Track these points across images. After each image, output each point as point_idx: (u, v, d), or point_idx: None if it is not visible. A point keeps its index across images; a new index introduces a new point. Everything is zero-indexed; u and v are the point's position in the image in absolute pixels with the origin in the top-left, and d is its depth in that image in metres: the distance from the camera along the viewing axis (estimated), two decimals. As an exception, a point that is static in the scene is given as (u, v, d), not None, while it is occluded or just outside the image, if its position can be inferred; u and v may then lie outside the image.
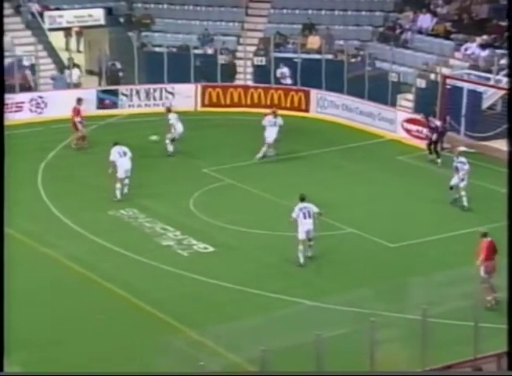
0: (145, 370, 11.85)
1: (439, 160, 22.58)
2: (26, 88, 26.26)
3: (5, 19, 28.00)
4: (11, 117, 25.50)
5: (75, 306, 14.72)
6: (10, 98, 25.61)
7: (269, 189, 20.41)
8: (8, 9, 28.54)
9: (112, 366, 12.60)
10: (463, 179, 19.30)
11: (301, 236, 16.36)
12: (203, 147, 23.66)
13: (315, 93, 27.05)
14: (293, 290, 15.25)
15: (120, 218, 18.80)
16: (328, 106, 26.69)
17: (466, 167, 19.42)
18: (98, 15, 28.73)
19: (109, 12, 29.31)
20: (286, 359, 11.33)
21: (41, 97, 26.14)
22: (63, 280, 15.76)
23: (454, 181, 19.37)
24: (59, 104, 25.62)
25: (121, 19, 29.74)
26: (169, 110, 23.25)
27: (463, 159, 19.52)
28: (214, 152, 23.35)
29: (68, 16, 28.55)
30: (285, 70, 27.31)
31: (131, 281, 15.71)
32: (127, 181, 19.82)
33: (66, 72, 27.26)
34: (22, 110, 25.88)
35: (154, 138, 22.74)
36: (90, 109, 26.66)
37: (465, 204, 19.32)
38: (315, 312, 13.26)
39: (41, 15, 28.42)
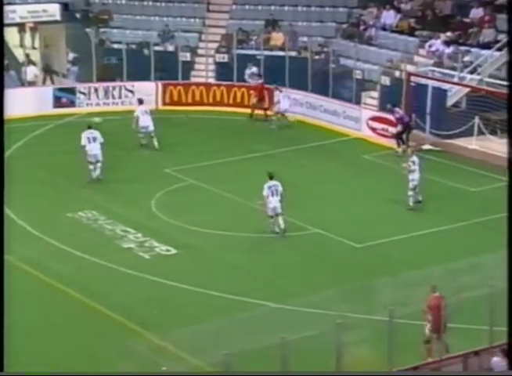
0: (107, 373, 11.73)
1: (399, 150, 22.91)
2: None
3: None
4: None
5: (33, 311, 14.53)
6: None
7: (232, 189, 20.38)
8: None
9: (73, 371, 12.44)
10: (413, 179, 19.28)
11: (269, 212, 17.74)
12: (165, 147, 23.54)
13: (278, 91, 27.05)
14: (256, 292, 15.25)
15: (79, 220, 18.62)
16: (292, 103, 26.74)
17: (416, 166, 19.35)
18: (53, 10, 28.34)
19: (65, 7, 28.93)
20: (250, 362, 11.32)
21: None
22: (19, 284, 15.51)
23: (411, 182, 19.33)
24: (13, 103, 25.22)
25: (78, 15, 29.42)
26: (140, 102, 24.02)
27: (414, 158, 19.54)
28: (176, 151, 23.25)
29: (21, 11, 28.09)
30: (254, 69, 27.32)
31: (90, 285, 15.56)
32: (99, 165, 20.64)
33: (22, 69, 26.91)
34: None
35: (97, 120, 23.12)
36: (46, 108, 26.37)
37: (410, 203, 19.32)
38: (280, 314, 13.27)
39: (-7, 9, 27.95)
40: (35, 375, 11.92)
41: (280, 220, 17.73)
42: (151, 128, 23.40)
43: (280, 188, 17.74)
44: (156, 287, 15.63)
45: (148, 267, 16.42)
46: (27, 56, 27.48)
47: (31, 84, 26.91)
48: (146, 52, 27.59)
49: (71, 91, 27.04)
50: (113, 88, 27.13)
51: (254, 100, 26.39)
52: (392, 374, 11.38)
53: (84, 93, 27.08)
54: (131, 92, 27.29)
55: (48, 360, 12.96)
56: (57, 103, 26.74)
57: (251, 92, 26.63)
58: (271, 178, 17.87)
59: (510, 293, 10.99)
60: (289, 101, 25.73)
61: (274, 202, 17.59)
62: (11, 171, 21.28)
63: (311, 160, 22.91)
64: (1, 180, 9.49)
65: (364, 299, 13.29)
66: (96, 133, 20.89)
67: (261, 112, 26.18)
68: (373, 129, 25.13)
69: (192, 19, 29.61)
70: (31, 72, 27.04)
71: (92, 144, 20.61)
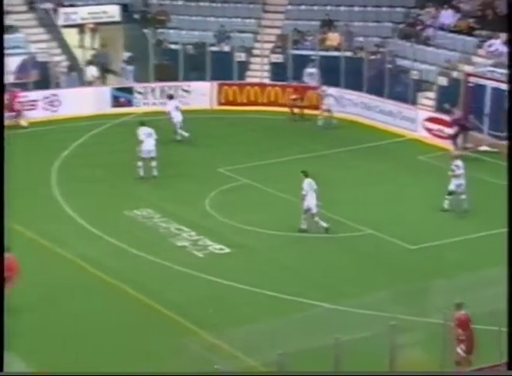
0: (161, 371, 11.89)
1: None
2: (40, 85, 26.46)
3: (19, 16, 28.46)
4: (25, 116, 25.77)
5: (89, 307, 14.80)
6: (24, 96, 25.86)
7: (286, 189, 20.40)
8: (21, 6, 28.78)
9: (126, 368, 12.65)
10: (459, 184, 19.03)
11: (305, 207, 17.96)
12: (219, 146, 23.72)
13: (333, 91, 26.98)
14: (311, 292, 15.24)
15: (135, 218, 18.90)
16: (346, 104, 26.65)
17: (461, 171, 19.12)
18: (113, 11, 28.85)
19: (124, 8, 29.42)
20: (303, 363, 11.33)
21: (55, 95, 26.31)
22: (77, 280, 15.86)
23: (451, 186, 19.10)
24: (73, 102, 25.80)
25: (136, 16, 29.85)
26: (171, 98, 24.54)
27: (458, 162, 19.26)
28: (229, 151, 23.40)
29: (82, 13, 28.69)
30: (313, 70, 27.31)
31: (145, 282, 15.78)
32: (154, 163, 20.89)
33: (85, 69, 27.42)
34: (36, 108, 26.09)
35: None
36: (104, 107, 26.85)
37: (465, 206, 19.06)
38: (334, 315, 13.25)
39: (55, 11, 28.59)
40: (34, 375, 12.06)
41: (316, 219, 17.94)
42: (180, 122, 23.85)
43: (315, 186, 18.05)
44: (211, 285, 15.75)
45: (202, 266, 16.55)
46: (91, 56, 28.02)
47: (90, 84, 27.42)
48: (201, 52, 27.84)
49: (129, 90, 27.46)
50: (170, 88, 27.45)
51: (292, 98, 26.47)
52: (393, 374, 11.25)
53: (141, 93, 27.47)
54: (187, 91, 27.57)
55: (104, 355, 13.19)
56: (115, 102, 27.20)
57: (290, 90, 26.68)
58: (306, 176, 18.15)
59: (510, 293, 10.80)
60: (334, 99, 25.61)
61: (310, 199, 17.85)
62: (70, 169, 21.90)
63: (365, 160, 22.80)
64: (1, 180, 9.57)
65: (418, 301, 13.19)
66: (151, 130, 21.27)
67: (298, 111, 26.27)
68: (429, 130, 24.87)
69: (247, 20, 29.74)
70: (90, 72, 27.56)
71: (149, 139, 21.01)
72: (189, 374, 11.05)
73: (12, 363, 11.50)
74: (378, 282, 15.71)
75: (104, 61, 28.13)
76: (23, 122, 23.86)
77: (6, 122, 21.88)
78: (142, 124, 21.60)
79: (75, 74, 27.50)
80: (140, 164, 20.93)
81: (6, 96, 22.69)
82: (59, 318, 14.40)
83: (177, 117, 23.86)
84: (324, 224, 17.96)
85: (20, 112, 23.25)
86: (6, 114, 22.47)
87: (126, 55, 28.56)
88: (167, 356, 12.11)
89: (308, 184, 18.03)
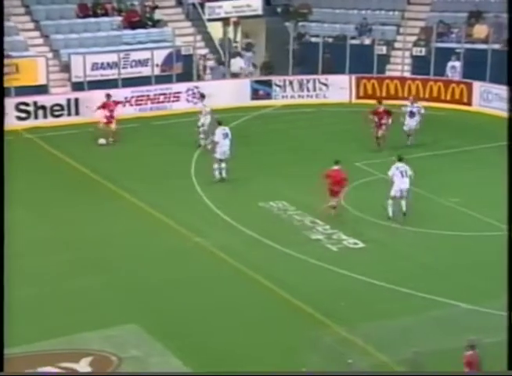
0: (293, 365, 11.89)
1: None
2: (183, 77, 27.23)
3: (167, 11, 29.43)
4: (168, 107, 26.62)
5: (225, 297, 15.02)
6: (168, 88, 26.71)
7: (424, 185, 19.88)
8: (170, 1, 29.76)
9: (260, 359, 12.75)
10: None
11: (394, 193, 17.79)
12: (357, 140, 23.47)
13: (478, 86, 26.09)
14: (448, 291, 14.78)
15: (270, 210, 19.04)
16: (492, 99, 25.64)
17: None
18: (256, 5, 29.25)
19: (267, 1, 29.75)
20: (437, 363, 11.00)
21: (197, 87, 26.98)
22: (214, 270, 16.16)
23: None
24: (214, 94, 26.36)
25: (279, 9, 30.08)
26: (203, 97, 23.62)
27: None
28: (365, 145, 23.08)
29: (227, 7, 29.29)
30: (456, 63, 26.50)
31: (279, 274, 15.86)
32: (224, 164, 20.13)
33: (231, 61, 27.96)
34: (179, 100, 26.87)
35: (101, 141, 23.12)
36: (244, 99, 27.26)
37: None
38: (472, 315, 12.78)
39: (202, 6, 29.33)
40: (35, 375, 12.10)
41: (403, 203, 17.70)
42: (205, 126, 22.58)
43: (410, 172, 17.78)
44: (344, 280, 15.61)
45: (336, 259, 16.44)
46: (235, 48, 28.56)
47: (236, 75, 27.85)
48: (341, 45, 27.67)
49: (268, 83, 27.74)
50: (308, 81, 27.47)
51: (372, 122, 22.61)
52: (394, 374, 10.58)
53: (279, 86, 27.67)
54: (325, 85, 27.49)
55: (237, 345, 13.35)
56: (254, 94, 27.55)
57: (372, 116, 22.52)
58: (400, 160, 17.99)
59: (510, 294, 10.27)
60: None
61: (405, 183, 17.68)
62: (209, 160, 22.19)
63: (510, 158, 21.78)
64: (2, 179, 9.71)
65: None
66: (228, 130, 20.44)
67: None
68: None
69: (391, 12, 29.25)
70: (237, 64, 28.03)
71: (226, 140, 20.06)
72: (196, 375, 10.92)
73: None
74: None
75: (249, 54, 28.55)
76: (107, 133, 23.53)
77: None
78: (220, 123, 20.51)
79: (222, 67, 28.06)
80: (216, 166, 20.03)
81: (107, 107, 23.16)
82: (196, 308, 14.64)
83: (205, 120, 22.39)
84: (404, 208, 17.68)
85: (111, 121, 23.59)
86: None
87: (244, 41, 28.78)
88: (302, 348, 12.07)
89: (395, 168, 17.87)
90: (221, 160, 20.22)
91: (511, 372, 10.34)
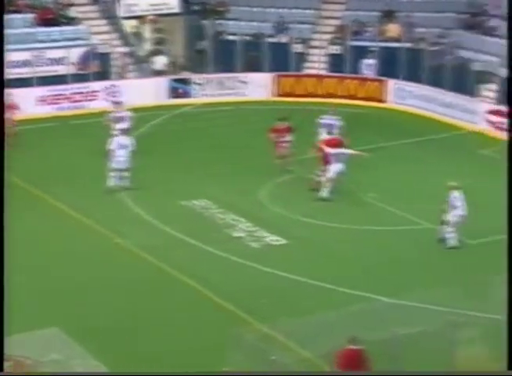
0: (215, 363, 11.85)
1: None
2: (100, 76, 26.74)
3: (82, 8, 28.82)
4: (86, 106, 26.09)
5: (147, 297, 14.85)
6: (85, 86, 26.17)
7: (343, 181, 20.15)
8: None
9: (182, 358, 12.65)
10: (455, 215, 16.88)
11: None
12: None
13: (392, 83, 26.61)
14: (369, 286, 15.00)
15: (192, 209, 18.92)
16: (406, 96, 26.21)
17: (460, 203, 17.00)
18: (173, 3, 28.99)
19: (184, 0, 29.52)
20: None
21: (114, 85, 26.55)
22: (135, 269, 15.95)
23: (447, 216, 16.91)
24: (132, 93, 25.99)
25: (196, 7, 29.91)
26: (117, 103, 22.41)
27: (456, 193, 17.02)
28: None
29: (143, 4, 28.91)
30: (371, 61, 26.91)
31: (201, 272, 15.77)
32: (122, 173, 19.33)
33: (153, 59, 27.60)
34: (97, 98, 26.37)
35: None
36: (163, 98, 27.00)
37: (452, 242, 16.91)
38: (393, 309, 13.00)
39: (117, 3, 28.85)
40: (35, 375, 12.07)
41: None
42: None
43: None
44: (267, 277, 15.65)
45: (258, 257, 16.46)
46: (153, 47, 28.18)
47: (159, 73, 27.50)
48: (259, 43, 27.76)
49: (186, 82, 27.56)
50: (227, 79, 27.43)
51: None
52: (394, 374, 10.93)
53: (199, 84, 27.53)
54: (245, 83, 27.51)
55: (160, 344, 13.21)
56: (173, 93, 27.32)
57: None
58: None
59: (510, 294, 10.56)
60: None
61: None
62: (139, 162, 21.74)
63: (424, 153, 22.36)
64: (2, 179, 9.56)
65: (480, 296, 12.83)
66: (127, 140, 19.47)
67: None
68: (491, 123, 24.26)
69: (307, 11, 29.50)
70: (159, 62, 27.71)
71: (119, 151, 19.21)
72: (194, 375, 10.95)
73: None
74: (439, 276, 15.38)
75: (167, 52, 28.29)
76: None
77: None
78: (123, 132, 19.76)
79: (142, 65, 27.69)
80: (112, 174, 19.27)
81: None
82: (119, 307, 14.43)
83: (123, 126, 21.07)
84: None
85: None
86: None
87: (158, 39, 28.44)
88: (223, 346, 12.03)
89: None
90: (117, 169, 19.37)
91: (511, 372, 10.46)
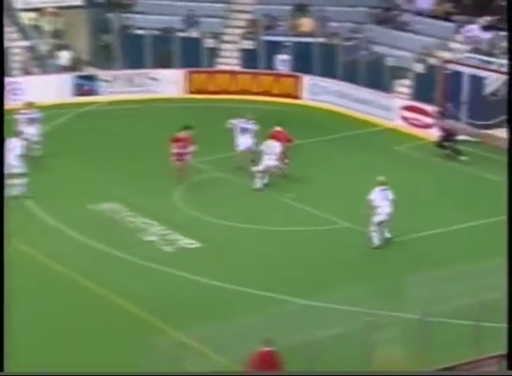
0: (129, 371, 11.79)
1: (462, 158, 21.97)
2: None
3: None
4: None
5: (56, 305, 14.63)
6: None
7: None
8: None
9: (94, 366, 12.52)
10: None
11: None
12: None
13: (306, 79, 27.01)
14: (284, 288, 15.20)
15: (101, 213, 18.71)
16: (320, 92, 26.65)
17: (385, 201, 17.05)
18: (76, -5, 28.51)
19: (87, -9, 29.06)
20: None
21: (16, 82, 25.92)
22: (41, 278, 15.66)
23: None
24: (35, 90, 25.43)
25: (100, 0, 29.50)
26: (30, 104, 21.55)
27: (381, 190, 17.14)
28: (200, 142, 23.21)
29: (43, -4, 28.33)
30: (285, 57, 27.18)
31: (112, 279, 15.63)
32: (16, 180, 18.56)
33: (57, 54, 27.04)
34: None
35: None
36: (66, 95, 26.53)
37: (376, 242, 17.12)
38: (309, 311, 13.22)
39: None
40: (35, 375, 11.99)
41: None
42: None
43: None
44: (180, 282, 15.65)
45: (171, 261, 16.43)
46: (57, 41, 27.62)
47: (66, 69, 26.96)
48: (169, 38, 27.64)
49: (92, 78, 27.16)
50: (137, 75, 27.21)
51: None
52: (394, 374, 11.33)
53: (106, 81, 27.19)
54: (155, 79, 27.36)
55: (71, 354, 13.04)
56: (78, 90, 26.88)
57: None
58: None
59: (510, 293, 11.03)
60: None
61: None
62: (31, 160, 21.42)
63: (339, 151, 22.79)
64: (1, 179, 9.39)
65: (396, 296, 13.20)
66: (17, 144, 18.73)
67: None
68: (406, 119, 24.95)
69: (217, 4, 29.56)
70: (64, 57, 27.17)
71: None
72: (194, 374, 10.97)
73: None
74: (354, 277, 15.72)
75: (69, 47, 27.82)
76: None
77: None
78: (16, 135, 18.96)
79: (44, 61, 27.11)
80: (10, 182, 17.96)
81: None
82: (28, 317, 14.12)
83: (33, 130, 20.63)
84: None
85: None
86: None
87: (59, 33, 27.96)
88: (137, 354, 11.98)
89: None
90: (13, 176, 18.40)
91: (511, 372, 10.69)
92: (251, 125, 20.98)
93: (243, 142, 20.75)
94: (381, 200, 16.99)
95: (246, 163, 20.60)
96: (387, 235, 17.22)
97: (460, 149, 22.43)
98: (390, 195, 17.09)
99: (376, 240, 17.11)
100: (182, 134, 20.14)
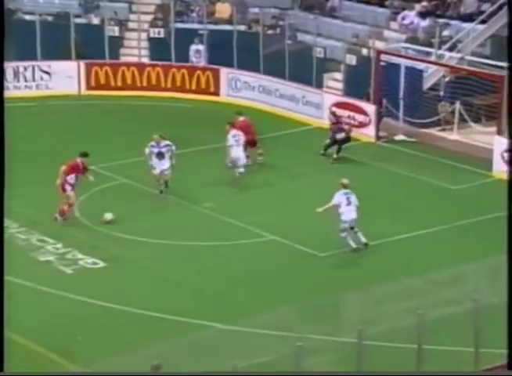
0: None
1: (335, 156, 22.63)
2: None
3: None
4: None
5: None
6: None
7: (173, 189, 20.34)
8: None
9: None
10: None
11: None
12: (89, 140, 23.34)
13: (225, 73, 27.18)
14: (201, 311, 15.28)
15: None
16: (241, 87, 26.84)
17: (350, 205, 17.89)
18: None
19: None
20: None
21: None
22: None
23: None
24: None
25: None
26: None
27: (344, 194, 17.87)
28: (104, 145, 23.08)
29: None
30: (200, 47, 27.23)
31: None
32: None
33: None
34: None
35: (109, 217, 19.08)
36: None
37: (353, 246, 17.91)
38: (230, 337, 13.30)
39: None
40: (35, 375, 11.99)
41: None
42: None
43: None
44: (81, 307, 15.56)
45: (71, 284, 16.34)
46: None
47: None
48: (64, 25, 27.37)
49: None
50: (25, 68, 26.84)
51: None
52: (394, 374, 11.64)
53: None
54: (48, 73, 27.03)
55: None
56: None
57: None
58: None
59: (510, 293, 11.58)
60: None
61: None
62: None
63: (265, 154, 22.97)
64: (2, 179, 9.30)
65: (329, 318, 13.40)
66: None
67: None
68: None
69: (121, -14, 29.51)
70: None
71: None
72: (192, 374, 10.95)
73: None
74: (283, 296, 15.87)
75: None
76: None
77: None
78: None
79: None
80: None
81: None
82: None
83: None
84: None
85: None
86: None
87: None
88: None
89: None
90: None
91: (511, 372, 11.24)
92: (165, 148, 20.22)
93: (159, 165, 20.21)
94: (346, 205, 17.62)
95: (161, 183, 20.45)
96: (363, 240, 17.71)
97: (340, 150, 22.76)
98: (354, 200, 17.71)
99: (351, 242, 17.64)
100: (77, 161, 19.38)
